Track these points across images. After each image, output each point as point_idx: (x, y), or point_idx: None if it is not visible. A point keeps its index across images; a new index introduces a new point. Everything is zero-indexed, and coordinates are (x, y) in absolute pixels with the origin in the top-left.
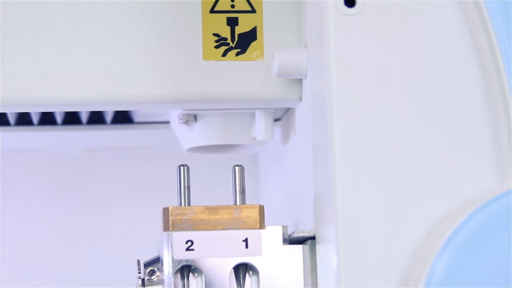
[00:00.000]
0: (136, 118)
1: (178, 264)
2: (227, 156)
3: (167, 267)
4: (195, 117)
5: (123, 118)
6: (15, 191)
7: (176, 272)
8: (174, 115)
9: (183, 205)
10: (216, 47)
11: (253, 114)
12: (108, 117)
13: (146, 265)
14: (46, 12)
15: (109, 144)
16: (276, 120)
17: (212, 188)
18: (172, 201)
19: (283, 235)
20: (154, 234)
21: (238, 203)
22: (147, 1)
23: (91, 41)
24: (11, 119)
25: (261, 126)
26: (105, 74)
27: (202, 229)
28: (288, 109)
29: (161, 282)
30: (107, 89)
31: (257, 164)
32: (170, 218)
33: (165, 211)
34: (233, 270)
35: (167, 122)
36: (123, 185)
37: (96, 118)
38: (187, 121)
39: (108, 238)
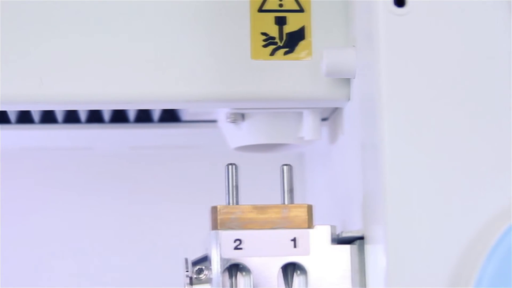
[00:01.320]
0: (184, 116)
1: (226, 263)
2: (272, 156)
3: (216, 266)
4: (243, 116)
5: (170, 116)
6: (61, 188)
7: (224, 271)
8: (221, 114)
9: (231, 204)
10: (264, 46)
11: (301, 113)
12: (156, 116)
13: (194, 263)
14: (96, 9)
15: (156, 143)
16: (323, 119)
17: (256, 187)
18: (218, 200)
19: (332, 235)
20: (201, 233)
21: (286, 203)
22: (195, 0)
23: (139, 39)
24: (59, 117)
25: (308, 125)
26: (153, 73)
27: (250, 228)
28: (336, 108)
29: (209, 280)
30: (155, 88)
31: (303, 164)
32: (218, 217)
33: (214, 210)
34: (281, 269)
35: (214, 121)
36: (169, 183)
37: (144, 116)
38: (234, 120)
39: (155, 236)
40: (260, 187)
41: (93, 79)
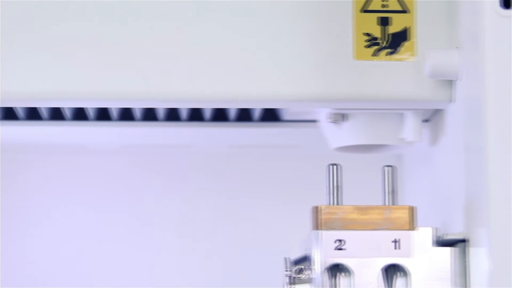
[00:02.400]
0: (284, 116)
1: (328, 263)
2: (369, 157)
3: (317, 266)
4: (344, 116)
5: (270, 115)
6: (159, 184)
7: (325, 271)
8: (322, 114)
9: (333, 204)
10: (367, 46)
11: (402, 114)
12: (256, 115)
13: (294, 263)
14: (200, 9)
15: (256, 142)
16: (424, 121)
17: (353, 188)
18: (315, 200)
19: (433, 237)
20: (297, 232)
21: (388, 204)
22: (298, 0)
23: (243, 39)
24: (160, 115)
25: (410, 127)
26: (255, 72)
27: (352, 229)
28: (437, 110)
29: (309, 280)
30: (257, 87)
31: (402, 165)
32: (320, 217)
33: (315, 209)
34: (382, 271)
35: (314, 121)
36: (267, 182)
37: (244, 115)
38: (336, 120)
39: (251, 235)
40: (356, 187)
41: (195, 78)
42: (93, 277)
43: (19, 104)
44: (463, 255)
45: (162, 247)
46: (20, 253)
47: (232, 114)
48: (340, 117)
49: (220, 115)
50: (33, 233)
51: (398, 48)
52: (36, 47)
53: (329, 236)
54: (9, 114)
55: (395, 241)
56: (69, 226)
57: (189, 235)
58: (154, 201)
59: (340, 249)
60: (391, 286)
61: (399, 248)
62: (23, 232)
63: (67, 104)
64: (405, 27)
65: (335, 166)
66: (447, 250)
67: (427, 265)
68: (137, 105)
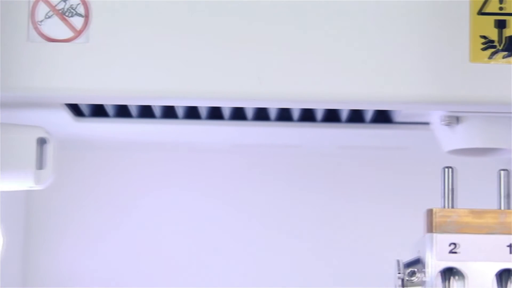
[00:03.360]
0: (396, 118)
1: (441, 267)
2: (481, 160)
3: (430, 269)
4: (458, 119)
5: (382, 117)
6: (270, 184)
7: (438, 274)
8: (435, 116)
9: (447, 207)
10: (483, 49)
11: None
12: (368, 116)
13: (406, 265)
14: (310, 9)
15: (366, 143)
16: None
17: (466, 191)
18: (425, 203)
19: None
20: (407, 235)
21: (503, 208)
22: (414, 1)
23: (357, 40)
24: (272, 115)
25: None
26: (370, 74)
27: (466, 232)
28: None
29: (421, 283)
30: (372, 89)
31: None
32: (434, 220)
33: (430, 212)
34: (496, 275)
35: (426, 123)
36: (377, 184)
37: (356, 116)
38: (449, 122)
39: (362, 237)
40: (469, 190)
41: (309, 79)
42: (200, 275)
43: (136, 102)
44: None
45: (269, 245)
46: (133, 251)
47: (344, 115)
48: (454, 119)
49: (331, 116)
50: (140, 230)
51: None
52: (152, 47)
53: (443, 239)
54: (123, 112)
55: (510, 246)
56: (176, 223)
57: (298, 234)
58: (264, 200)
59: (454, 252)
60: None
61: None
62: (134, 228)
63: (180, 103)
64: None
65: (449, 169)
66: None
67: None
68: (251, 105)
